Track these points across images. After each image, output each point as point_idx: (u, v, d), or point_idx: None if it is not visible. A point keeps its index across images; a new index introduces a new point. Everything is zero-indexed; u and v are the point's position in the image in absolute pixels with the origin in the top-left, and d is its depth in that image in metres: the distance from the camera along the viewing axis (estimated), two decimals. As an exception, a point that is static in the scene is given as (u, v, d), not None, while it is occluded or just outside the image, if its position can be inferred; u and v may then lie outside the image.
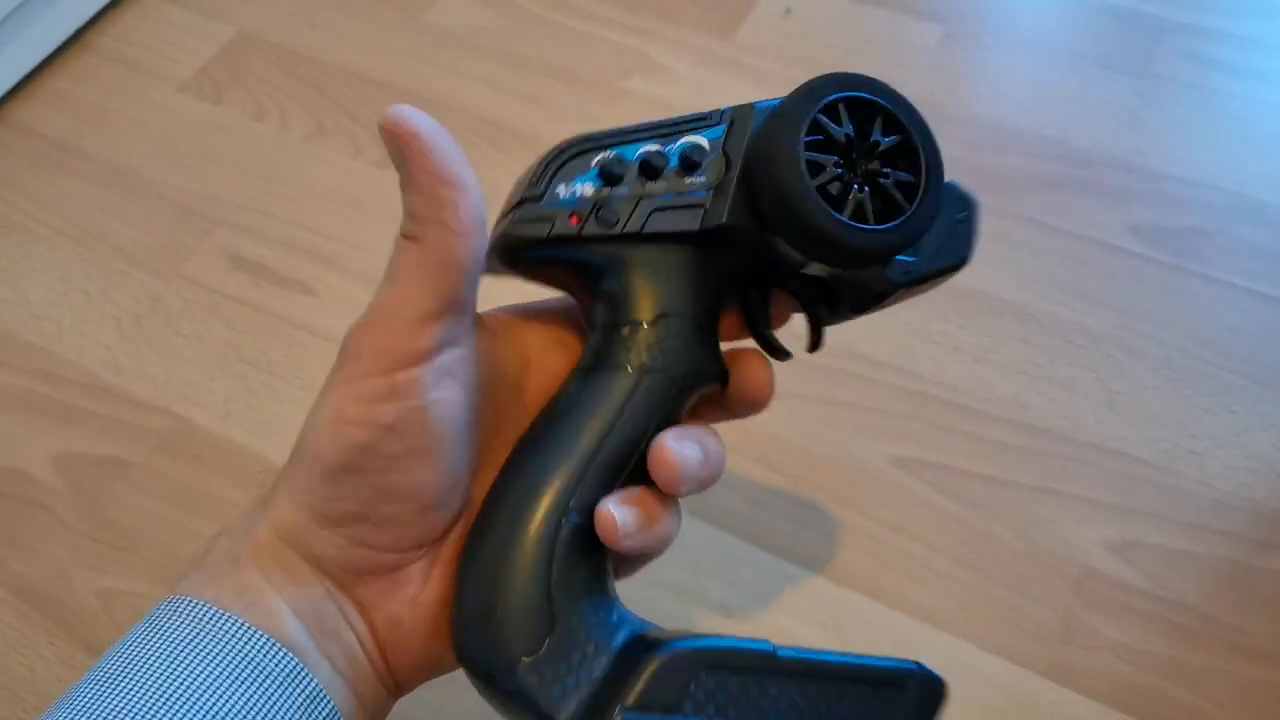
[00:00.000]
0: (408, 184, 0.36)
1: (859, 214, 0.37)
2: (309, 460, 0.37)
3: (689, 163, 0.38)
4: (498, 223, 0.42)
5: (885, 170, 0.37)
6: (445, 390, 0.37)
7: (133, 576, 0.66)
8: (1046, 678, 0.59)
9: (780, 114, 0.37)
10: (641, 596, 0.62)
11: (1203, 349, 0.69)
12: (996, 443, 0.67)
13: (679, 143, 0.39)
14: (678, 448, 0.37)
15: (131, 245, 0.81)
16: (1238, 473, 0.65)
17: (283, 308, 0.77)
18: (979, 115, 0.83)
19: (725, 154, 0.38)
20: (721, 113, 0.39)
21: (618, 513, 0.37)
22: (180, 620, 0.36)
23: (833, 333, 0.71)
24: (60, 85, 0.93)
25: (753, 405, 0.43)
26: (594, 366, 0.39)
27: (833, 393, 0.69)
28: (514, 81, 0.88)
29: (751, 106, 0.39)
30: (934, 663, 0.59)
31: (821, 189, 0.36)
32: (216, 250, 0.80)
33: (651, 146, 0.39)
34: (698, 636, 0.36)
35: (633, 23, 0.91)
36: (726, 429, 0.67)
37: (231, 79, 0.91)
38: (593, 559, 0.37)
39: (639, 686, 0.34)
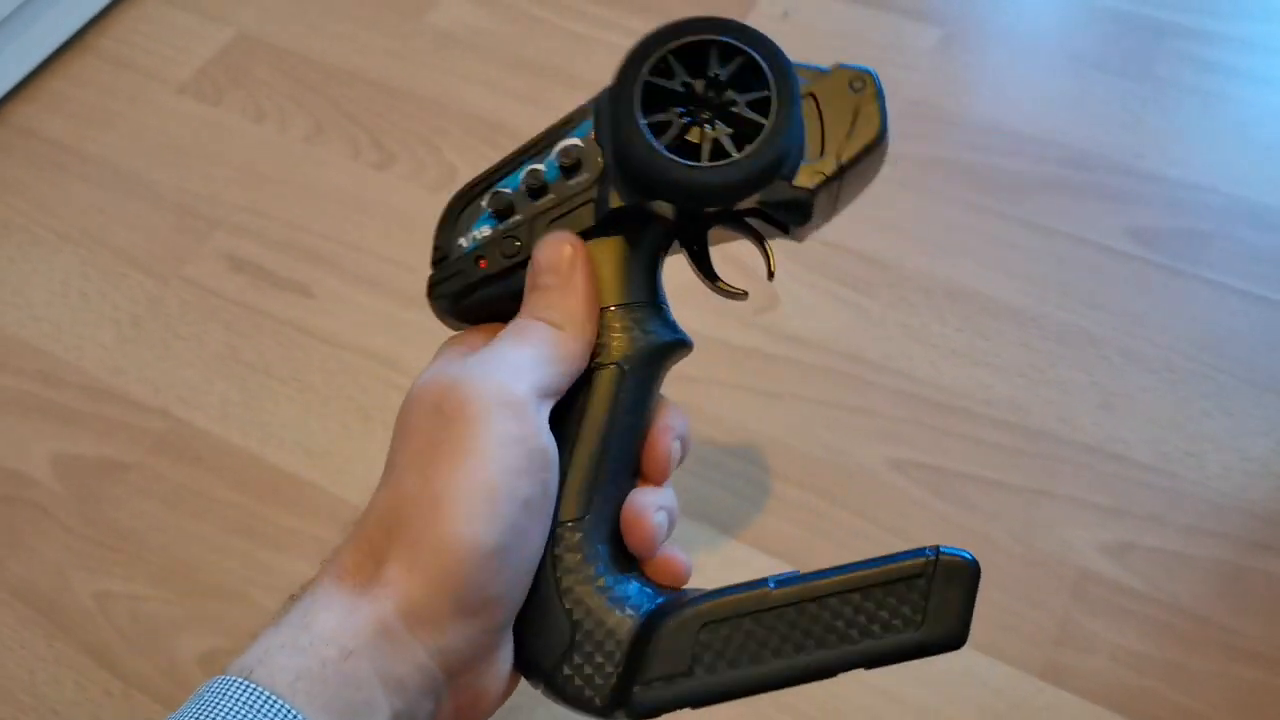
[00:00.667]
0: (567, 289, 0.38)
1: (718, 151, 0.37)
2: (456, 544, 0.33)
3: (569, 166, 0.39)
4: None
5: (734, 98, 0.38)
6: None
7: (131, 579, 0.66)
8: (1043, 680, 0.59)
9: (614, 93, 0.38)
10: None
11: (1201, 352, 0.69)
12: (993, 445, 0.67)
13: (554, 152, 0.40)
14: (652, 514, 0.38)
15: (131, 247, 0.82)
16: (1235, 475, 0.65)
17: (281, 310, 0.77)
18: (978, 118, 0.83)
19: (599, 145, 0.39)
20: (588, 106, 0.40)
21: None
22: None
23: (831, 335, 0.71)
24: (60, 87, 0.93)
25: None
26: None
27: (830, 395, 0.69)
28: (513, 83, 0.88)
29: (608, 90, 0.40)
30: (929, 666, 0.59)
31: (675, 143, 0.37)
32: (215, 252, 0.81)
33: (530, 166, 0.40)
34: (699, 595, 0.37)
35: (632, 24, 0.91)
36: (725, 430, 0.67)
37: (231, 80, 0.91)
38: (599, 550, 0.38)
39: (652, 662, 0.36)
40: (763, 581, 0.36)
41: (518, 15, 0.93)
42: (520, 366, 0.36)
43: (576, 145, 0.39)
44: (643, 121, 0.37)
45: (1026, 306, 0.72)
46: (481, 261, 0.40)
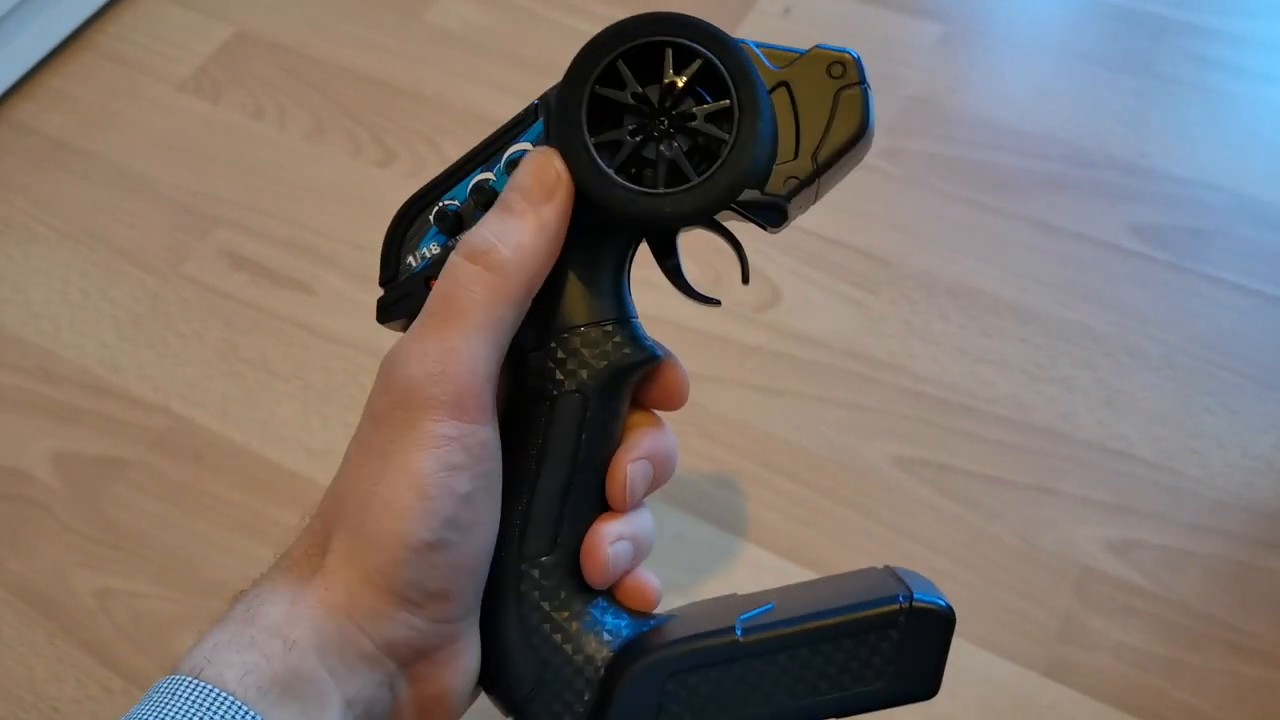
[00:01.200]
0: (530, 218, 0.34)
1: (675, 174, 0.34)
2: (387, 540, 0.33)
3: None
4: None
5: (692, 110, 0.34)
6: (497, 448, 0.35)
7: (131, 576, 0.66)
8: (1047, 678, 0.59)
9: (558, 106, 0.35)
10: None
11: (1204, 349, 0.69)
12: (997, 443, 0.67)
13: (504, 158, 0.37)
14: (607, 547, 0.37)
15: (130, 245, 0.81)
16: (1238, 472, 0.65)
17: (281, 307, 0.77)
18: (979, 115, 0.82)
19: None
20: (536, 105, 0.37)
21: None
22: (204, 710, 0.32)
23: (833, 332, 0.71)
24: (59, 84, 0.93)
25: (672, 407, 0.41)
26: (519, 401, 0.38)
27: (834, 392, 0.69)
28: (514, 80, 0.88)
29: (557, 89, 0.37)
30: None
31: (626, 165, 0.34)
32: (215, 249, 0.80)
33: (480, 175, 0.37)
34: (669, 641, 0.36)
35: (633, 22, 0.91)
36: (727, 427, 0.67)
37: (231, 78, 0.91)
38: (567, 584, 0.37)
39: (618, 710, 0.35)
40: (731, 629, 0.35)
41: (517, 12, 0.93)
42: (457, 349, 0.34)
43: (527, 152, 0.36)
44: (590, 141, 0.34)
45: (1028, 303, 0.72)
46: (431, 281, 0.37)
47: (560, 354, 0.37)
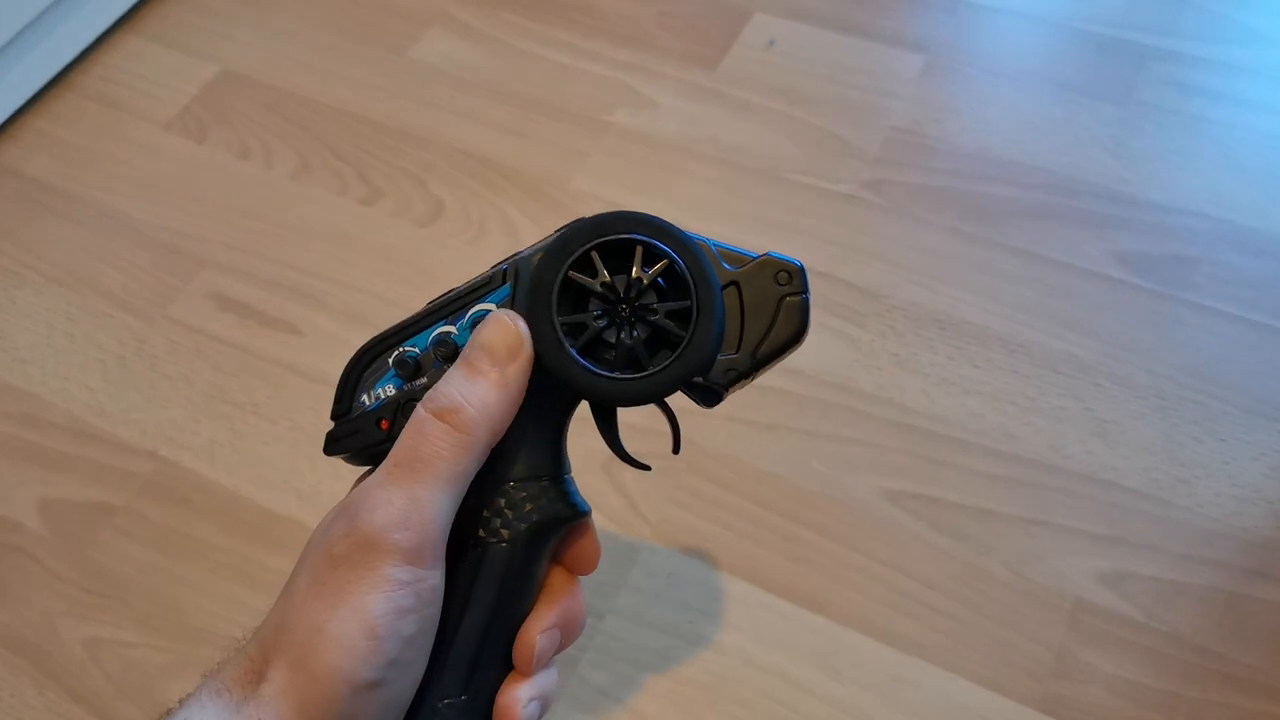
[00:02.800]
0: (495, 381, 0.37)
1: (631, 360, 0.37)
2: (330, 675, 0.34)
3: None
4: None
5: (654, 306, 0.38)
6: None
7: (120, 625, 0.65)
8: (1042, 713, 0.58)
9: (531, 281, 0.38)
10: (632, 636, 0.62)
11: (1191, 377, 0.70)
12: (987, 475, 0.66)
13: (468, 315, 0.39)
14: (521, 709, 0.39)
15: (116, 287, 0.81)
16: (1228, 501, 0.65)
17: (268, 348, 0.77)
18: (962, 145, 0.83)
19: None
20: (504, 269, 0.39)
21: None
22: None
23: (822, 366, 0.71)
24: (44, 126, 0.93)
25: (585, 571, 0.43)
26: (451, 548, 0.39)
27: (822, 427, 0.69)
28: (499, 116, 0.88)
29: (530, 259, 0.39)
30: (927, 698, 0.59)
31: (588, 346, 0.37)
32: (202, 291, 0.80)
33: (442, 328, 0.39)
34: None
35: (617, 56, 0.91)
36: (717, 463, 0.67)
37: (216, 117, 0.91)
38: None
39: None
40: None
41: (502, 48, 0.93)
42: (421, 500, 0.35)
43: (490, 312, 0.39)
44: (558, 320, 0.37)
45: (1015, 334, 0.72)
46: (383, 422, 0.39)
47: (499, 503, 0.39)
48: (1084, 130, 0.83)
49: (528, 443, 0.39)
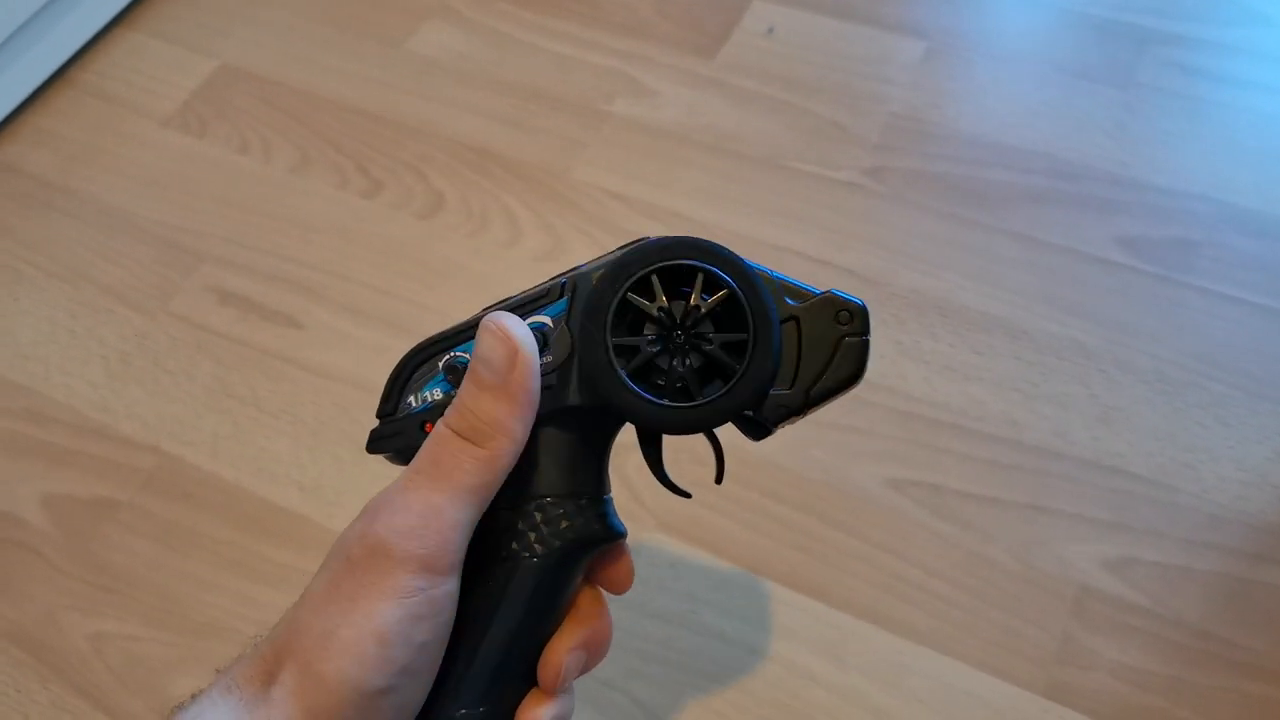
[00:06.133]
0: (500, 392, 0.36)
1: (682, 390, 0.37)
2: (340, 681, 0.34)
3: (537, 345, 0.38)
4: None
5: (710, 335, 0.37)
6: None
7: (124, 619, 0.65)
8: (1047, 699, 0.58)
9: (589, 300, 0.37)
10: (636, 626, 0.62)
11: (1194, 361, 0.69)
12: (990, 462, 0.66)
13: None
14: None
15: (118, 283, 0.81)
16: (1232, 485, 0.64)
17: (270, 342, 0.76)
18: (963, 130, 0.82)
19: (569, 329, 0.38)
20: (563, 283, 0.38)
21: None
22: None
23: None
24: (44, 123, 0.93)
25: (619, 591, 0.43)
26: (479, 550, 0.38)
27: (825, 415, 0.69)
28: (497, 106, 0.88)
29: (589, 275, 0.38)
30: (931, 685, 0.59)
31: (639, 370, 0.37)
32: (203, 286, 0.80)
33: None
34: None
35: (616, 45, 0.91)
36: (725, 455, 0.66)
37: (215, 112, 0.91)
38: None
39: None
40: None
41: (499, 39, 0.93)
42: (439, 509, 0.35)
43: (546, 325, 0.38)
44: (611, 342, 0.37)
45: (1018, 319, 0.72)
46: (427, 425, 0.39)
47: (535, 518, 0.38)
48: (1084, 114, 0.83)
49: (569, 460, 0.38)
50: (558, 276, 0.39)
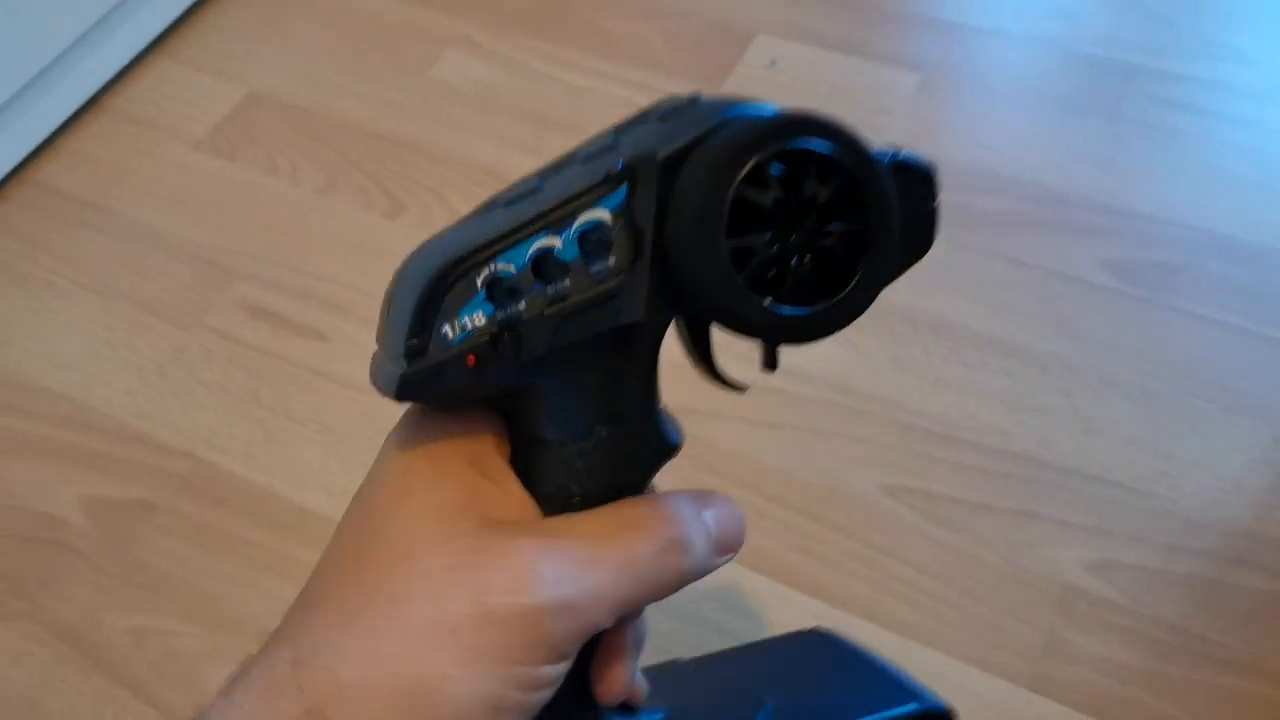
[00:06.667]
0: (690, 574, 0.32)
1: (802, 292, 0.31)
2: None
3: (592, 249, 0.31)
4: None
5: (827, 229, 0.31)
6: None
7: (163, 614, 0.69)
8: (1032, 691, 0.62)
9: (695, 198, 0.30)
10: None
11: (1174, 376, 0.73)
12: (980, 469, 0.70)
13: (575, 226, 0.31)
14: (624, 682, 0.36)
15: (152, 298, 0.85)
16: (1209, 493, 0.68)
17: (299, 354, 0.81)
18: (957, 160, 0.87)
19: (631, 226, 0.31)
20: (619, 168, 0.31)
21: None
22: None
23: (825, 369, 0.75)
24: (80, 146, 0.97)
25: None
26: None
27: (825, 424, 0.73)
28: (516, 134, 0.93)
29: (653, 157, 0.31)
30: (925, 678, 0.63)
31: (755, 276, 0.31)
32: (235, 301, 0.84)
33: (543, 240, 0.31)
34: None
35: (627, 76, 0.96)
36: (725, 459, 0.70)
37: (245, 136, 0.96)
38: (566, 693, 0.34)
39: None
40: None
41: (517, 69, 0.98)
42: (601, 595, 0.30)
43: (604, 223, 0.31)
44: (728, 247, 0.30)
45: (1007, 337, 0.76)
46: (469, 357, 0.31)
47: (556, 454, 0.34)
48: (1073, 145, 0.87)
49: (623, 385, 0.34)
50: (602, 144, 0.32)
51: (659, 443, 0.35)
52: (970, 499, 0.69)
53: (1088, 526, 0.68)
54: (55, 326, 0.85)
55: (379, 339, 0.33)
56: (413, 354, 0.31)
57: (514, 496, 0.32)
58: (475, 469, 0.32)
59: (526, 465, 0.34)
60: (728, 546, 0.33)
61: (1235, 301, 0.77)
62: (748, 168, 0.30)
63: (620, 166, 0.31)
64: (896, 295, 0.78)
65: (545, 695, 0.30)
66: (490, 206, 0.33)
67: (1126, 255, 0.80)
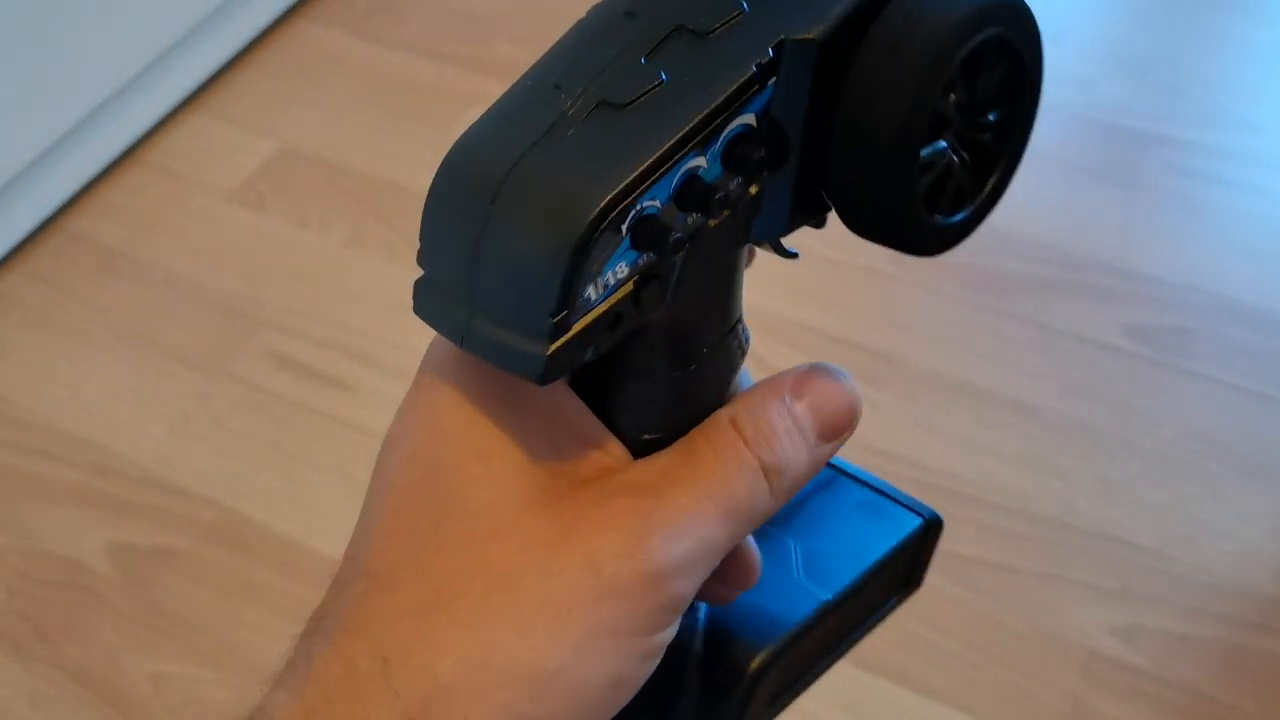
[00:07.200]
0: (813, 465, 0.29)
1: (957, 197, 0.27)
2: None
3: (736, 162, 0.26)
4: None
5: (986, 123, 0.27)
6: None
7: (184, 661, 0.69)
8: (1055, 756, 0.62)
9: (885, 108, 0.25)
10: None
11: (1193, 441, 0.74)
12: (1001, 531, 0.71)
13: (721, 138, 0.25)
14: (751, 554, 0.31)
15: (180, 346, 0.86)
16: (1229, 558, 0.69)
17: (323, 404, 0.81)
18: (977, 222, 0.88)
19: (776, 127, 0.26)
20: (761, 67, 0.25)
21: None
22: None
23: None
24: (113, 197, 0.99)
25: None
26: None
27: (846, 484, 0.73)
28: (540, 192, 0.94)
29: (809, 42, 0.25)
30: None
31: (926, 191, 0.27)
32: (261, 350, 0.85)
33: (692, 162, 0.25)
34: (769, 629, 0.32)
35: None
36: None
37: (275, 190, 0.97)
38: None
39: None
40: (817, 595, 0.32)
41: (543, 128, 1.00)
42: (714, 544, 0.26)
43: (750, 128, 0.25)
44: (919, 162, 0.26)
45: (1028, 399, 0.77)
46: (614, 316, 0.26)
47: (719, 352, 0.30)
48: (1091, 210, 0.88)
49: (722, 290, 0.30)
50: (716, 19, 0.25)
51: (743, 345, 0.31)
52: (991, 560, 0.69)
53: (1109, 589, 0.68)
54: (85, 373, 0.86)
55: (443, 279, 0.26)
56: (558, 331, 0.25)
57: (598, 445, 0.28)
58: (551, 419, 0.28)
59: (616, 404, 0.29)
60: (833, 432, 0.30)
61: (1250, 366, 0.78)
62: (946, 74, 0.25)
63: (771, 55, 0.25)
64: (918, 355, 0.80)
65: (656, 664, 0.27)
66: (598, 105, 0.25)
67: (1144, 320, 0.81)
